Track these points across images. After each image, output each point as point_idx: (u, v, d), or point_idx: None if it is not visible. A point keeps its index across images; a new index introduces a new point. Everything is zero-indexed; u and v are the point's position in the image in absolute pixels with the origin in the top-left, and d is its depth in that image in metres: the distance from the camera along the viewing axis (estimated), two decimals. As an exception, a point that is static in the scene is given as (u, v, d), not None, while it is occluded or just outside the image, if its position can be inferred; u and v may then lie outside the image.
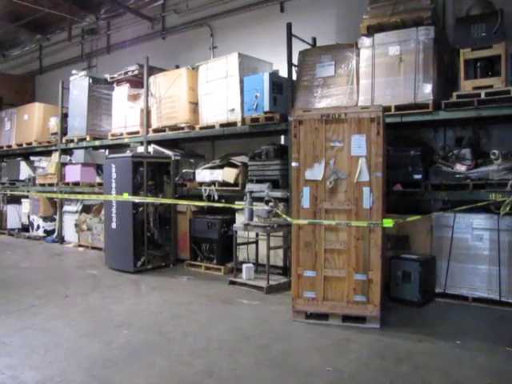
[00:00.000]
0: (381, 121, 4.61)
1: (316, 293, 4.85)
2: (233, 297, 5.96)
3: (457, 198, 5.62)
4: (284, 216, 5.88)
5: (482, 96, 5.34)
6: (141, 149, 9.35)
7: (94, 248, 9.52)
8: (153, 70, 8.87)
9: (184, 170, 8.60)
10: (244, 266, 6.71)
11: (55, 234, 10.77)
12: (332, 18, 7.86)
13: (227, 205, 7.22)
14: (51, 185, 10.71)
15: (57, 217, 10.74)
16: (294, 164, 4.93)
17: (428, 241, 5.87)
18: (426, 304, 5.48)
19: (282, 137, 8.39)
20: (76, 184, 9.94)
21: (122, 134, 9.18)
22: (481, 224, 5.46)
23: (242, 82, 7.47)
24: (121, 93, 9.17)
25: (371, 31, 6.15)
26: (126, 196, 7.25)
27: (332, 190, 4.79)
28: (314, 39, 7.78)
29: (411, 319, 4.98)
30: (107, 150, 10.81)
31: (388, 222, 4.65)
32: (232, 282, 6.62)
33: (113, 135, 9.35)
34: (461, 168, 5.52)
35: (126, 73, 9.06)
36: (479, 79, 5.53)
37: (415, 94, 5.76)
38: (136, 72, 8.88)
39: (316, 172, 4.83)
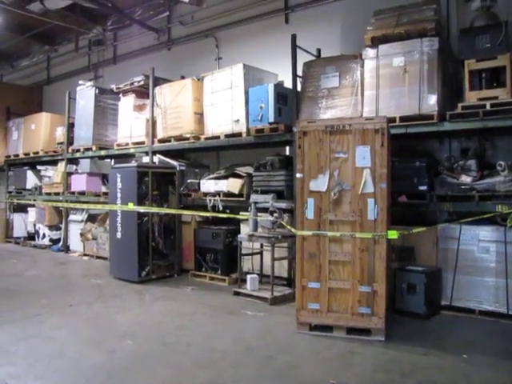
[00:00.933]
0: (385, 132, 4.61)
1: (320, 304, 4.82)
2: (237, 308, 5.93)
3: (462, 209, 5.58)
4: (288, 227, 5.87)
5: (488, 107, 5.32)
6: (146, 159, 9.40)
7: (98, 257, 9.53)
8: (158, 81, 8.94)
9: (189, 181, 8.62)
10: (248, 276, 6.69)
11: (61, 242, 10.81)
12: (336, 29, 7.90)
13: (232, 215, 7.22)
14: (57, 194, 10.77)
15: (62, 226, 10.78)
16: (298, 175, 4.93)
17: (433, 252, 5.83)
18: (431, 316, 5.42)
19: (287, 147, 8.40)
20: (81, 193, 9.98)
21: (127, 144, 9.23)
22: (487, 236, 5.41)
23: (246, 92, 7.50)
24: (127, 103, 9.24)
25: (375, 42, 6.16)
26: (131, 206, 7.28)
27: (336, 202, 4.79)
28: (319, 50, 7.82)
29: (416, 332, 4.93)
30: (113, 160, 10.87)
31: (393, 234, 4.63)
32: (236, 293, 6.60)
33: (118, 145, 9.41)
34: (466, 179, 5.49)
35: (131, 83, 9.13)
36: (484, 90, 5.51)
37: (420, 105, 5.76)
38: (142, 82, 8.95)
39: (320, 183, 4.83)
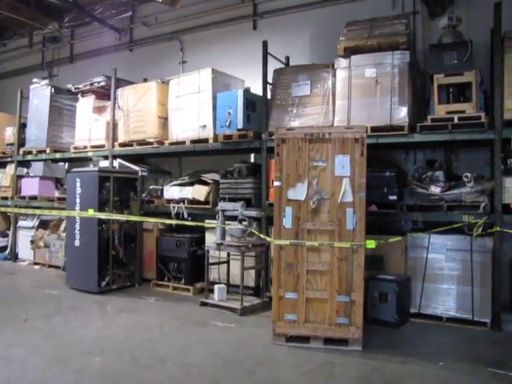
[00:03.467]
0: (365, 141, 4.64)
1: (298, 315, 4.74)
2: (206, 319, 5.73)
3: (432, 219, 5.72)
4: (262, 236, 5.77)
5: (455, 120, 5.50)
6: (104, 163, 8.99)
7: (51, 266, 8.96)
8: (120, 83, 8.61)
9: (151, 187, 8.32)
10: (216, 286, 6.50)
11: (7, 250, 10.07)
12: (305, 38, 7.96)
13: (199, 223, 7.01)
14: (5, 198, 10.04)
15: (10, 232, 10.07)
16: (276, 183, 4.85)
17: (402, 261, 5.93)
18: (402, 325, 5.49)
19: (252, 155, 8.33)
20: (33, 198, 9.37)
21: (85, 148, 8.80)
22: (454, 245, 5.58)
23: (214, 97, 7.36)
24: (86, 104, 8.82)
25: (348, 53, 6.23)
26: (91, 212, 6.90)
27: (315, 211, 4.74)
28: (288, 58, 7.83)
29: (391, 340, 4.96)
30: (67, 164, 10.31)
31: (371, 243, 4.64)
32: (203, 304, 6.39)
33: (76, 148, 8.94)
34: (435, 190, 5.64)
35: (91, 84, 8.73)
36: (452, 104, 5.70)
37: (391, 116, 5.87)
38: (103, 83, 8.58)
39: (299, 192, 4.77)
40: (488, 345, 4.89)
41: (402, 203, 5.90)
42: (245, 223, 6.47)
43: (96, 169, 7.42)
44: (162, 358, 4.35)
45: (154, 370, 4.08)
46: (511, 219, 5.34)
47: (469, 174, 5.58)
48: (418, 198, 5.79)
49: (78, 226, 7.16)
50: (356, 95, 6.13)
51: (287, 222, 4.79)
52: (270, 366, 4.21)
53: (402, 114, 5.83)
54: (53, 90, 9.18)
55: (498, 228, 5.29)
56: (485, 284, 5.44)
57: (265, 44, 6.95)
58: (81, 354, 4.43)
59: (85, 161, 9.60)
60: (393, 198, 5.95)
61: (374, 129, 5.90)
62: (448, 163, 6.42)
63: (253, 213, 6.52)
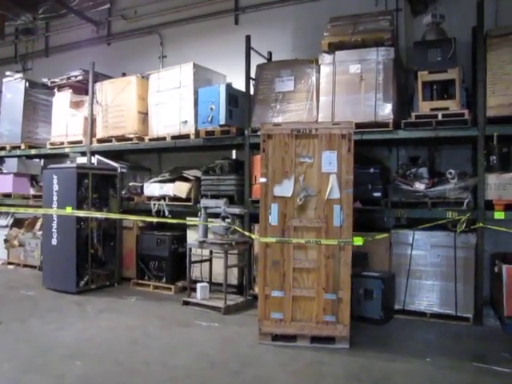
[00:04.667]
0: (352, 137, 4.59)
1: (284, 314, 4.67)
2: (189, 319, 5.61)
3: (416, 215, 5.73)
4: (247, 233, 5.68)
5: (439, 117, 5.52)
6: (82, 159, 8.74)
7: (26, 266, 8.68)
8: (98, 77, 8.39)
9: (131, 184, 8.12)
10: (198, 285, 6.38)
11: (-21, 250, 9.69)
12: (288, 33, 7.88)
13: (181, 221, 6.87)
14: (-24, 196, 9.65)
15: (-19, 232, 9.68)
16: (262, 179, 4.76)
17: (386, 258, 5.93)
18: (387, 321, 5.49)
19: (234, 151, 8.22)
20: (7, 195, 9.04)
21: (62, 143, 8.53)
22: (438, 241, 5.60)
23: (196, 93, 7.22)
24: (62, 99, 8.54)
25: (332, 48, 6.18)
26: (69, 210, 6.67)
27: (301, 207, 4.67)
28: (270, 53, 7.73)
29: (377, 337, 4.94)
30: (42, 160, 9.99)
31: (358, 240, 4.61)
32: (186, 303, 6.26)
33: (52, 144, 8.66)
34: (420, 186, 5.65)
35: (68, 78, 8.46)
36: (436, 101, 5.72)
37: (376, 113, 5.85)
38: (80, 77, 8.32)
39: (285, 188, 4.69)
40: (471, 340, 4.94)
41: (386, 200, 5.89)
42: (228, 220, 6.36)
43: (74, 165, 7.22)
44: (147, 360, 4.21)
45: (138, 374, 3.93)
46: (493, 215, 5.38)
47: (452, 171, 5.61)
48: (403, 195, 5.79)
49: (55, 225, 6.93)
50: (340, 91, 6.09)
51: (273, 219, 4.71)
52: (257, 366, 4.12)
53: (387, 110, 5.82)
54: (27, 84, 8.87)
55: (481, 224, 5.34)
56: (467, 280, 5.49)
57: (248, 38, 6.84)
58: (60, 358, 4.24)
59: (61, 157, 9.34)
60: (377, 194, 5.95)
61: (358, 125, 5.83)
62: (431, 160, 6.44)
63: (236, 210, 6.42)
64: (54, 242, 6.92)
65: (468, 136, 5.55)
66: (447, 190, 5.56)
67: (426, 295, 5.65)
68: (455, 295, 5.51)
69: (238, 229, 6.14)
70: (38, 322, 5.38)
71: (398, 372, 3.99)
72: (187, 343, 4.73)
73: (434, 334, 5.12)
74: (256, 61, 7.08)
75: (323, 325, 4.60)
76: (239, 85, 7.11)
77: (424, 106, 5.70)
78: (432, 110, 5.64)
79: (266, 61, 7.43)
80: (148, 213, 7.51)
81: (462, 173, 5.68)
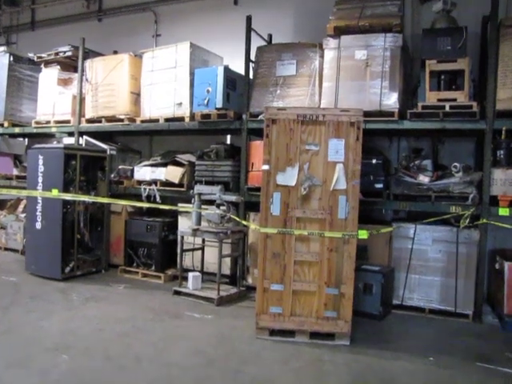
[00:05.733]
0: (361, 125, 4.36)
1: (283, 308, 4.47)
2: (181, 310, 5.38)
3: (418, 208, 5.56)
4: (244, 222, 5.45)
5: (447, 108, 5.32)
6: (69, 140, 8.35)
7: (7, 249, 8.33)
8: (88, 54, 8.00)
9: (121, 167, 7.78)
10: (190, 274, 6.14)
11: (-43, 232, 9.27)
12: (289, 16, 7.58)
13: (173, 207, 6.59)
14: (-45, 176, 9.21)
15: (-39, 212, 9.26)
16: (264, 167, 4.50)
17: (386, 251, 5.77)
18: (385, 316, 5.35)
19: (229, 136, 7.95)
20: (-12, 176, 8.64)
21: (48, 122, 8.13)
22: (441, 236, 5.45)
23: (192, 74, 6.91)
24: (49, 76, 8.12)
25: (337, 32, 5.92)
26: (55, 192, 6.33)
27: (305, 197, 4.44)
28: (270, 36, 7.42)
29: (377, 334, 4.80)
30: (27, 140, 9.57)
31: (363, 234, 4.42)
32: (177, 292, 6.03)
33: (37, 123, 8.25)
34: (424, 179, 5.46)
35: (56, 53, 8.03)
36: (443, 92, 5.51)
37: (381, 102, 5.62)
38: (69, 53, 7.92)
39: (289, 177, 4.45)
40: (472, 338, 4.82)
41: (388, 192, 5.70)
42: (223, 208, 6.13)
43: (61, 145, 6.86)
44: (138, 356, 3.96)
45: (130, 370, 3.68)
46: (497, 211, 5.24)
47: (458, 164, 5.43)
48: (405, 187, 5.60)
49: (39, 208, 6.58)
50: (345, 77, 5.84)
51: (275, 208, 4.47)
52: (255, 364, 3.91)
53: (393, 99, 5.59)
54: (11, 58, 8.38)
55: (485, 220, 5.19)
56: (468, 276, 5.37)
57: (248, 19, 6.53)
58: (45, 351, 3.97)
59: (47, 137, 8.95)
60: (379, 186, 5.74)
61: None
62: (435, 153, 6.27)
63: (232, 197, 6.17)
64: (39, 225, 6.58)
65: (475, 129, 5.37)
66: (452, 184, 5.38)
67: (426, 291, 5.52)
68: (455, 292, 5.38)
69: (234, 217, 5.90)
70: (21, 310, 5.08)
71: (402, 372, 3.83)
72: (180, 337, 4.49)
73: (433, 330, 4.99)
74: (256, 43, 6.77)
75: (324, 320, 4.41)
76: (237, 67, 6.82)
77: (431, 97, 5.48)
78: (439, 100, 5.43)
79: (265, 43, 7.12)
80: (138, 197, 7.22)
81: (466, 166, 5.51)
